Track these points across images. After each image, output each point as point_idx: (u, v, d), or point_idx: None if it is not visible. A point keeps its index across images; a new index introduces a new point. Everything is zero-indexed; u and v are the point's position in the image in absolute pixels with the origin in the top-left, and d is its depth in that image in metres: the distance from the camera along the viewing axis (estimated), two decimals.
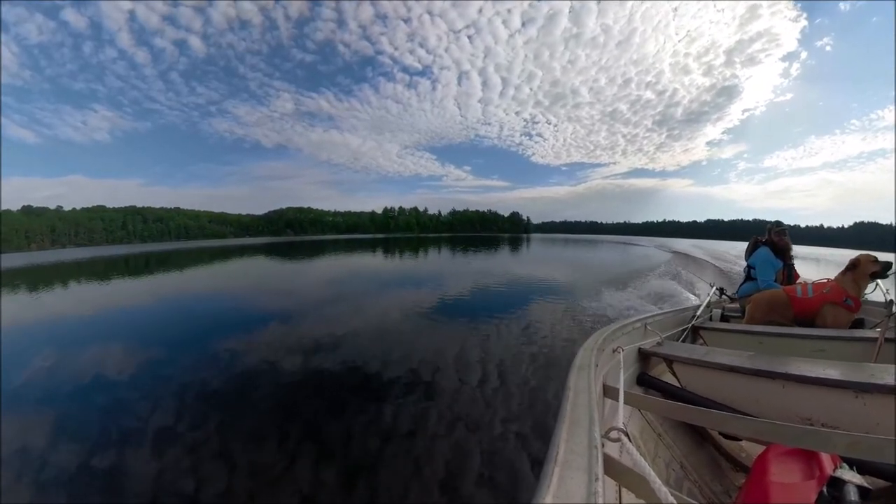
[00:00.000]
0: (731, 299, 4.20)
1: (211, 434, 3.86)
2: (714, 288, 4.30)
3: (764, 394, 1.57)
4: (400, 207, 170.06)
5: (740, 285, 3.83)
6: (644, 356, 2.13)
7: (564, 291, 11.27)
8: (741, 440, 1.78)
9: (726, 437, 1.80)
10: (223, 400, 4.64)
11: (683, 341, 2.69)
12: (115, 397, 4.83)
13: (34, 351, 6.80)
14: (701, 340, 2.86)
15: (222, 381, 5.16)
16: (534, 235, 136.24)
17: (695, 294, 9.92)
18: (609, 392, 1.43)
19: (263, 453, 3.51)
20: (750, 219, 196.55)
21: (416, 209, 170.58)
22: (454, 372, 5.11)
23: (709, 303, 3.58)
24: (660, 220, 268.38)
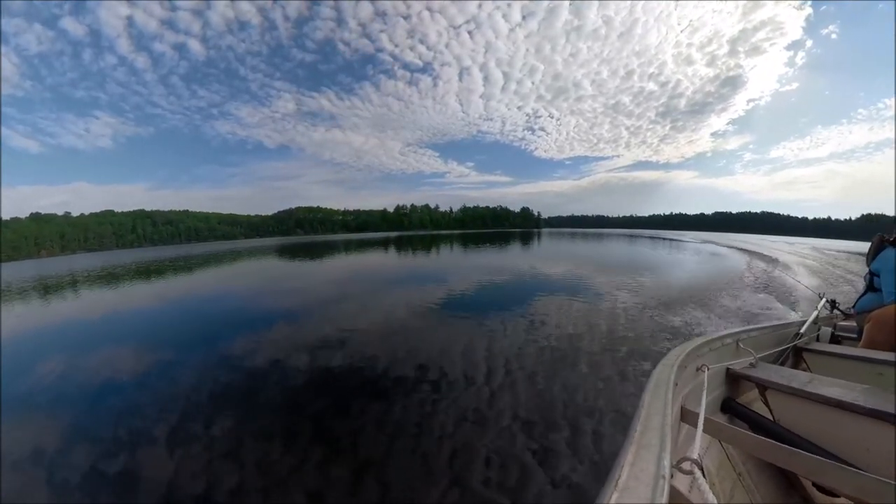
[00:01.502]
0: (846, 315, 3.52)
1: (224, 432, 3.91)
2: (824, 300, 3.69)
3: (877, 441, 1.29)
4: (412, 205, 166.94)
5: (858, 297, 3.13)
6: (733, 378, 1.87)
7: (620, 297, 9.63)
8: (839, 497, 1.46)
9: (821, 489, 1.48)
10: (238, 399, 4.68)
11: (782, 364, 2.34)
12: (133, 397, 4.92)
13: (51, 354, 6.98)
14: (804, 365, 2.42)
15: (237, 380, 5.22)
16: (545, 230, 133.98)
17: (792, 307, 8.34)
18: (687, 416, 1.30)
19: (275, 451, 3.52)
20: (758, 211, 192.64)
21: (427, 206, 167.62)
22: (484, 374, 4.97)
23: (817, 318, 2.96)
24: (667, 212, 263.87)
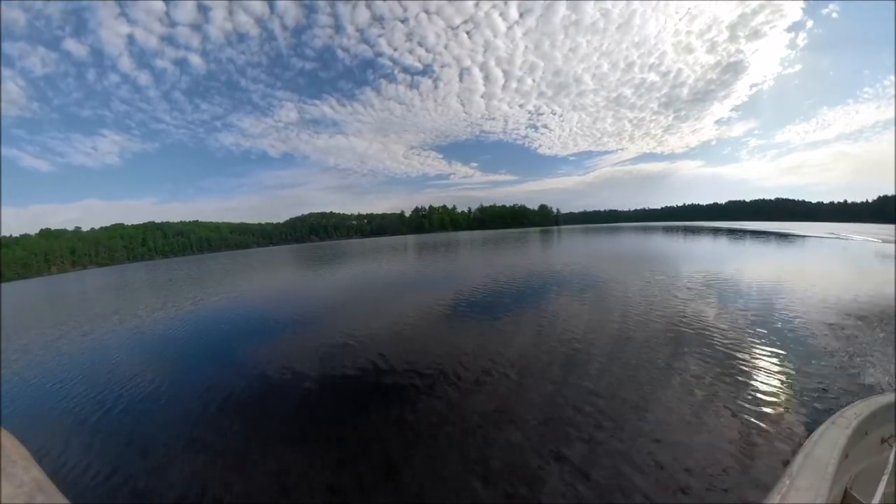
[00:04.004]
0: None
1: (245, 436, 3.97)
2: None
3: None
4: (430, 206, 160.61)
5: None
6: None
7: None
8: None
9: None
10: (262, 402, 4.75)
11: None
12: (163, 403, 5.03)
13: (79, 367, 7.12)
14: None
15: (263, 385, 5.31)
16: (565, 227, 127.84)
17: None
18: None
19: (293, 453, 3.55)
20: (772, 198, 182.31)
21: (445, 207, 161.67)
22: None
23: None
24: (679, 203, 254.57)
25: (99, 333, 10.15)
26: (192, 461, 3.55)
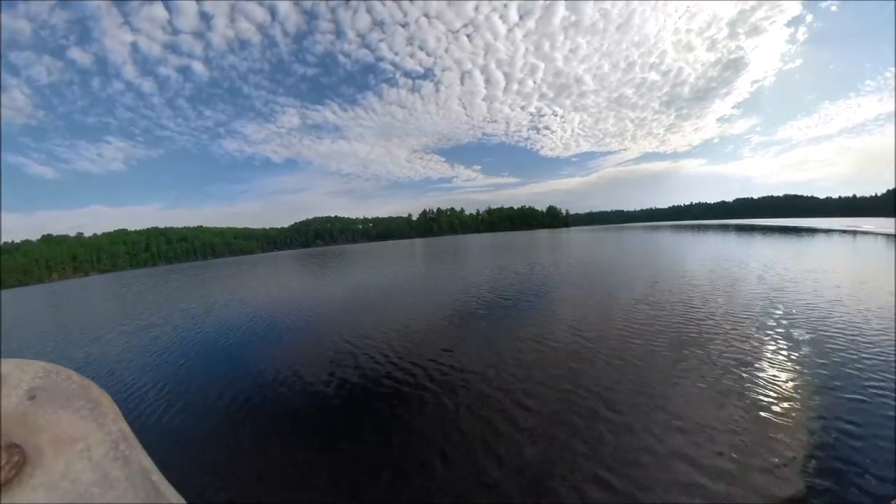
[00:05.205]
0: None
1: (254, 435, 3.97)
2: None
3: None
4: (439, 209, 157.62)
5: None
6: None
7: None
8: None
9: None
10: (274, 404, 4.69)
11: None
12: (172, 402, 5.06)
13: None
14: None
15: (271, 387, 5.25)
16: (575, 228, 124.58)
17: None
18: None
19: (303, 454, 3.51)
20: (780, 194, 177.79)
21: (452, 209, 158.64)
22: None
23: None
24: (685, 202, 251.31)
25: (112, 337, 10.26)
26: (200, 459, 3.61)
